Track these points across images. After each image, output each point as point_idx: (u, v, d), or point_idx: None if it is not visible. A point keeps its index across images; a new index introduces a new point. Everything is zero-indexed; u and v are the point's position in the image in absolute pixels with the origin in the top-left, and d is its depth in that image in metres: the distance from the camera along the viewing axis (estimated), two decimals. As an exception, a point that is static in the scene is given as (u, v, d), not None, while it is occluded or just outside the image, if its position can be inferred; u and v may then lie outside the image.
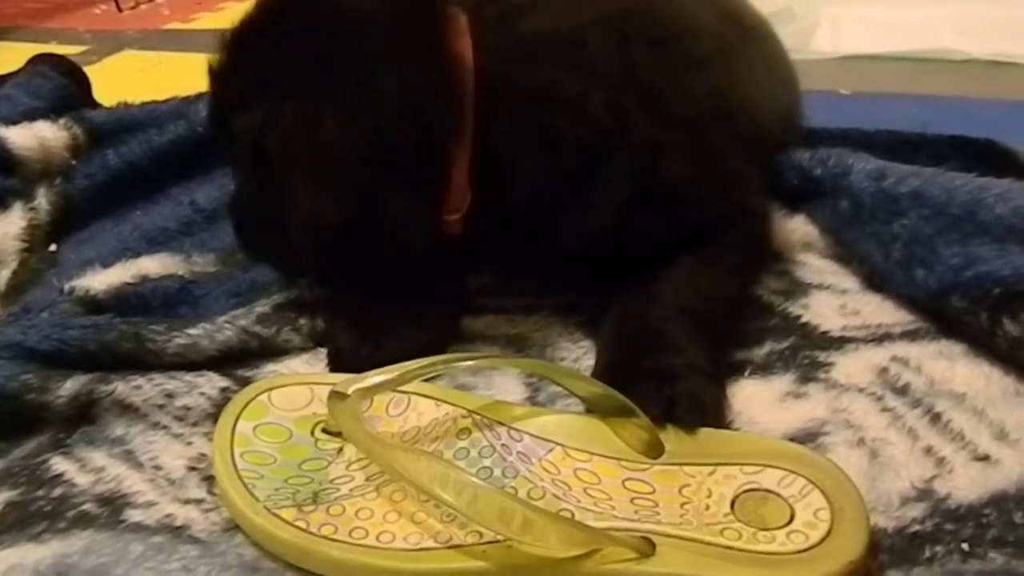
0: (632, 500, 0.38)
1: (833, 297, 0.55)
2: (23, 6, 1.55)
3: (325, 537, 0.36)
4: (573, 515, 0.37)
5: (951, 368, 0.48)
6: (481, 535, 0.36)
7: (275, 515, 0.37)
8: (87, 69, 1.10)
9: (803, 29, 1.12)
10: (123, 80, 1.07)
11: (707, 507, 0.37)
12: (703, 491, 0.38)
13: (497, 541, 0.35)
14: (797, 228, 0.60)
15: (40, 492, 0.42)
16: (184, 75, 1.11)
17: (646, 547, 0.35)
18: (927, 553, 0.37)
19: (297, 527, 0.37)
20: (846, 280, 0.56)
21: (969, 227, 0.49)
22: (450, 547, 0.36)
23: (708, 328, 0.47)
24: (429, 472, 0.35)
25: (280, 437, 0.42)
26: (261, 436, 0.42)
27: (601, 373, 0.45)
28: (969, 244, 0.49)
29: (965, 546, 0.37)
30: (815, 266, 0.58)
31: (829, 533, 0.36)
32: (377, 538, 0.36)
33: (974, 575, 0.36)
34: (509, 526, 0.34)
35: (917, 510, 0.39)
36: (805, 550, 0.35)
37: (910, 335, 0.51)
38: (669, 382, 0.42)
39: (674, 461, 0.40)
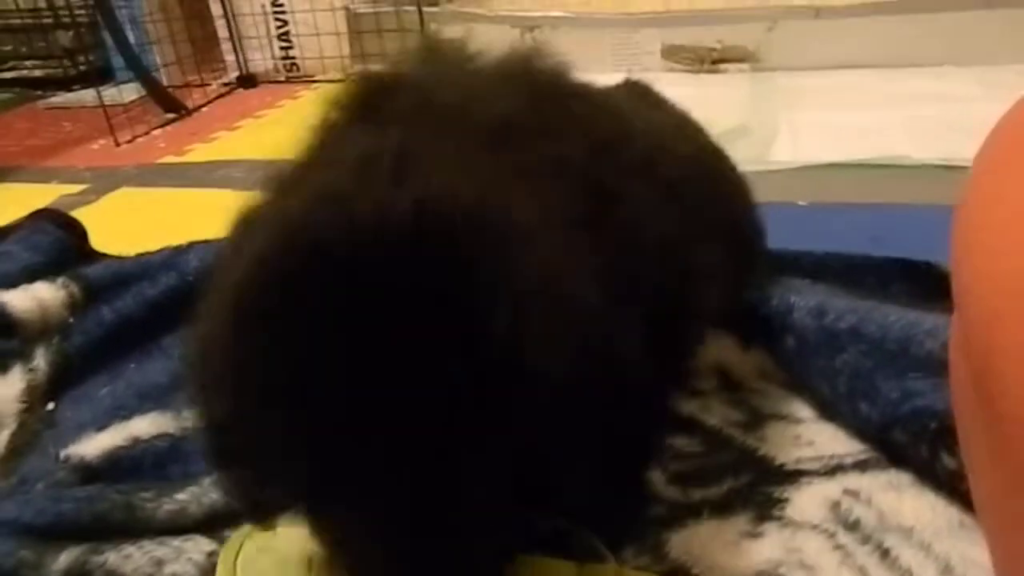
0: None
1: (788, 427, 0.58)
2: (24, 144, 1.62)
3: None
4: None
5: (899, 500, 0.50)
6: None
7: None
8: (86, 209, 1.17)
9: (761, 140, 1.19)
10: (120, 219, 1.12)
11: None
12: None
13: None
14: (754, 358, 0.63)
15: (34, 672, 0.44)
16: (178, 211, 1.18)
17: None
18: None
19: None
20: (801, 409, 0.60)
21: (904, 362, 0.53)
22: None
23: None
24: None
25: (280, 561, 0.45)
26: (262, 559, 0.46)
27: None
28: (905, 379, 0.52)
29: None
30: (772, 396, 0.61)
31: None
32: None
33: None
34: None
35: (868, 655, 0.41)
36: None
37: (861, 465, 0.54)
38: None
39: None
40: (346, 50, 1.86)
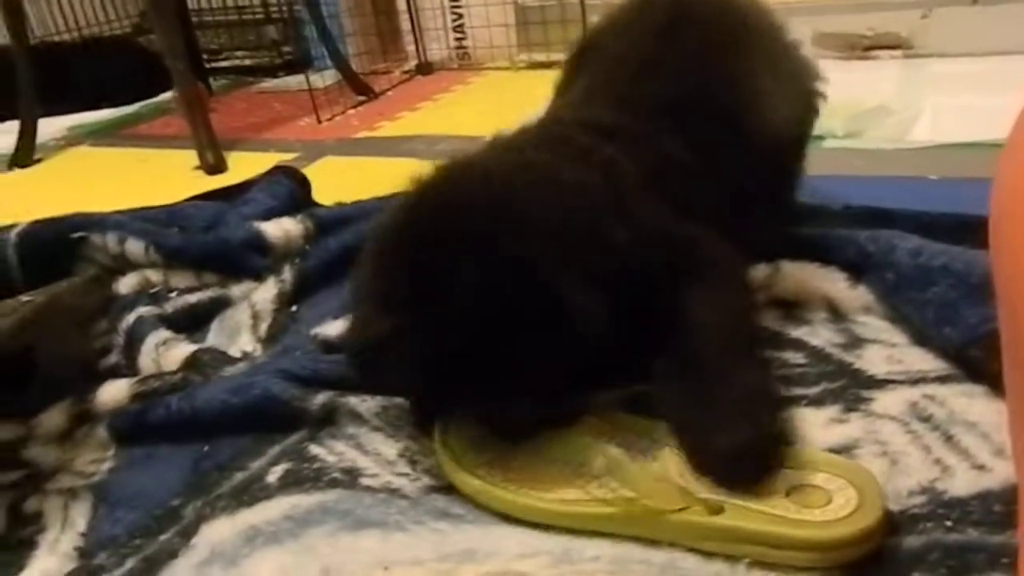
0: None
1: (884, 349, 0.69)
2: (246, 121, 1.93)
3: (503, 488, 0.56)
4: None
5: (971, 404, 0.61)
6: (610, 493, 0.54)
7: (472, 472, 0.58)
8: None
9: (902, 121, 1.25)
10: (328, 181, 1.35)
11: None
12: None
13: (619, 498, 0.53)
14: (860, 295, 0.74)
15: (304, 465, 0.64)
16: (372, 176, 1.40)
17: (717, 507, 0.51)
18: (920, 526, 0.51)
19: (486, 481, 0.57)
20: (897, 337, 0.70)
21: (984, 293, 0.62)
22: (588, 500, 0.54)
23: (748, 352, 0.61)
24: (583, 445, 0.55)
25: (476, 431, 0.61)
26: (463, 430, 0.62)
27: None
28: (984, 306, 0.62)
29: (949, 523, 0.51)
30: (872, 326, 0.72)
31: (855, 511, 0.50)
32: (539, 491, 0.55)
33: (952, 543, 0.49)
34: (633, 486, 0.52)
35: (919, 500, 0.53)
36: (834, 520, 0.50)
37: (942, 379, 0.64)
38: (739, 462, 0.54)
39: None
40: (513, 40, 2.05)
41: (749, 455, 0.54)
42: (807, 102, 0.80)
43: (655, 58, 0.74)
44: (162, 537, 0.60)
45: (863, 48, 1.66)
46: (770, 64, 0.76)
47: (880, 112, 1.26)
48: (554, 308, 0.55)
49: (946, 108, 1.30)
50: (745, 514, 0.51)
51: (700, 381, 0.57)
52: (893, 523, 0.51)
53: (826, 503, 0.51)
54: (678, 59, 0.74)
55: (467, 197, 0.60)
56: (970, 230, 0.78)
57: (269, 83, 2.33)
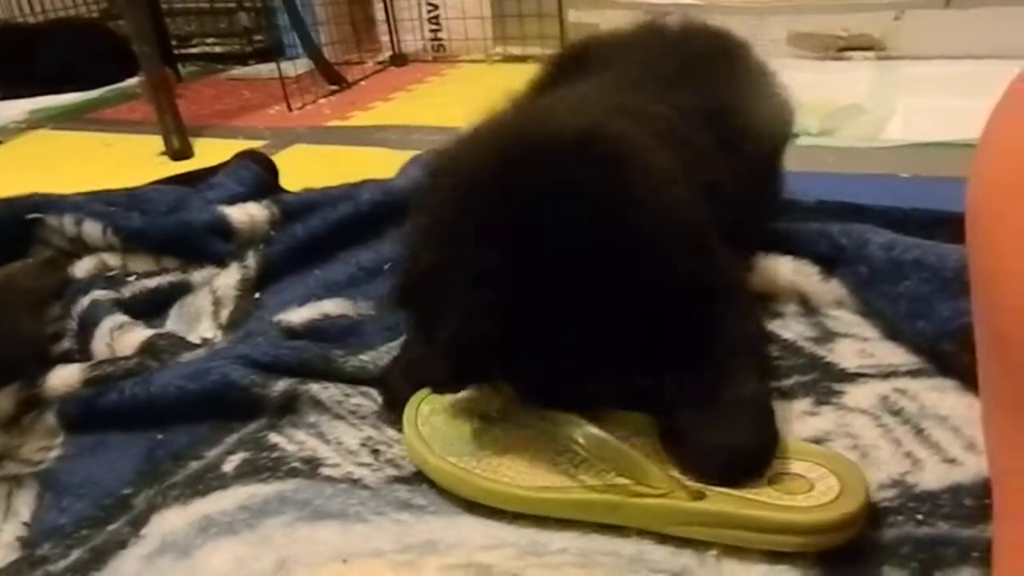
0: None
1: (855, 343, 0.68)
2: (214, 108, 1.89)
3: (476, 474, 0.54)
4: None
5: (942, 398, 0.60)
6: (593, 478, 0.52)
7: (445, 460, 0.56)
8: (269, 160, 1.38)
9: (875, 121, 1.25)
10: (297, 169, 1.33)
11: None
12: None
13: (603, 482, 0.52)
14: (832, 289, 0.73)
15: (263, 454, 0.62)
16: (343, 165, 1.38)
17: (699, 494, 0.50)
18: (890, 520, 0.50)
19: (459, 467, 0.55)
20: (869, 331, 0.70)
21: (957, 287, 0.62)
22: (564, 487, 0.53)
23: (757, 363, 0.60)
24: (570, 426, 0.53)
25: (448, 418, 0.60)
26: (434, 417, 0.60)
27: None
28: (957, 300, 0.62)
29: (919, 517, 0.50)
30: (845, 319, 0.72)
31: (837, 498, 0.49)
32: (512, 478, 0.54)
33: (923, 536, 0.49)
34: (620, 464, 0.51)
35: (890, 493, 0.52)
36: (817, 506, 0.49)
37: (913, 373, 0.64)
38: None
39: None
40: (489, 33, 2.03)
41: (751, 457, 0.52)
42: (788, 115, 0.82)
43: (676, 69, 0.74)
44: (110, 527, 0.57)
45: (837, 49, 1.67)
46: (761, 79, 0.79)
47: (853, 110, 1.26)
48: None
49: (919, 108, 1.30)
50: (728, 499, 0.50)
51: (708, 383, 0.54)
52: (870, 514, 0.50)
53: (808, 490, 0.50)
54: (694, 72, 0.74)
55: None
56: (942, 225, 0.78)
57: (239, 71, 2.29)
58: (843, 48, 1.67)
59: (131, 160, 1.52)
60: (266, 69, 2.14)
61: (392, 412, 0.63)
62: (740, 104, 0.72)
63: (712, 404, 0.53)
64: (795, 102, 0.82)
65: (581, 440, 0.53)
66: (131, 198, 1.03)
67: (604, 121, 0.58)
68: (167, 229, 0.92)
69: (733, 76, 0.77)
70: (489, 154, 0.55)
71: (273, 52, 2.15)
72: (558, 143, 0.54)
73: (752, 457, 0.52)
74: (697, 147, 0.63)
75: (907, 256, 0.67)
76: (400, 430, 0.60)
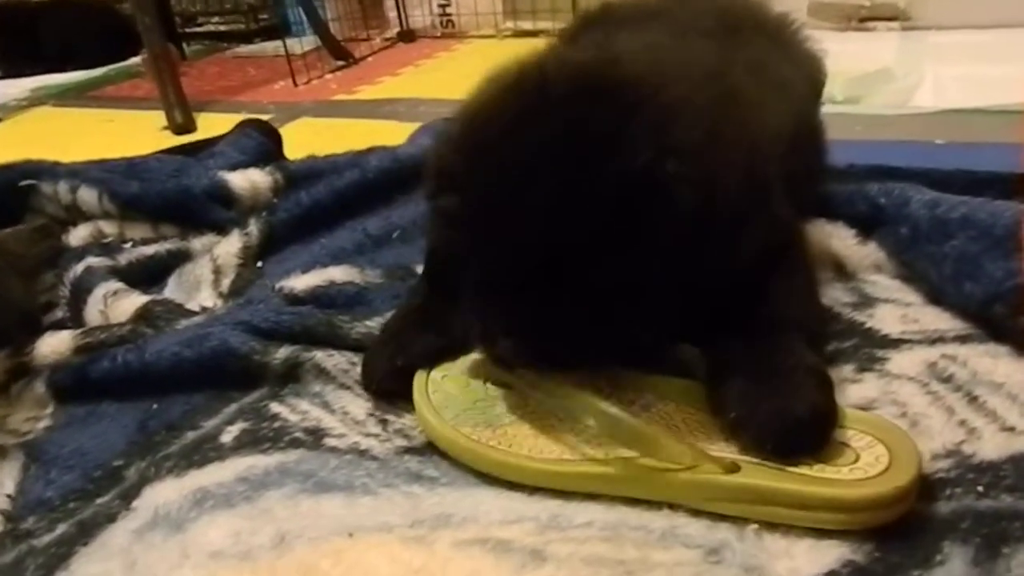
0: (726, 439, 0.49)
1: (897, 309, 0.64)
2: (218, 84, 1.84)
3: (491, 447, 0.50)
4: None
5: (995, 364, 0.56)
6: (608, 453, 0.48)
7: (457, 430, 0.52)
8: (274, 132, 1.34)
9: (905, 88, 1.20)
10: (302, 141, 1.28)
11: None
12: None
13: (620, 457, 0.47)
14: (870, 253, 0.69)
15: (264, 424, 0.58)
16: (350, 137, 1.33)
17: (732, 466, 0.46)
18: (948, 492, 0.46)
19: (472, 439, 0.51)
20: (910, 296, 0.65)
21: (1010, 246, 0.57)
22: (585, 459, 0.48)
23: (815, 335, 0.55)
24: (580, 404, 0.48)
25: (461, 384, 0.56)
26: (446, 383, 0.56)
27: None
28: (1010, 259, 0.57)
29: (980, 489, 0.45)
30: (883, 284, 0.67)
31: (886, 470, 0.45)
32: (530, 450, 0.50)
33: (985, 509, 0.44)
34: (636, 444, 0.46)
35: (945, 464, 0.48)
36: (863, 479, 0.44)
37: (962, 339, 0.59)
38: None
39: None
40: (499, 7, 1.98)
41: (809, 427, 0.47)
42: (820, 74, 0.79)
43: (712, 26, 0.69)
44: (99, 500, 0.53)
45: (860, 19, 1.62)
46: (800, 41, 0.77)
47: (881, 76, 1.21)
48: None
49: (948, 76, 1.26)
50: (763, 472, 0.45)
51: (764, 353, 0.50)
52: (924, 487, 0.46)
53: (854, 461, 0.46)
54: (731, 28, 0.69)
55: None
56: (990, 186, 0.74)
57: (244, 49, 2.25)
58: (866, 18, 1.61)
59: (133, 134, 1.48)
60: (271, 47, 2.10)
61: (367, 391, 0.59)
62: (780, 57, 0.68)
63: (768, 370, 0.48)
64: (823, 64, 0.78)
65: (591, 423, 0.48)
66: (131, 166, 0.99)
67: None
68: (165, 195, 0.88)
69: (766, 31, 0.73)
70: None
71: (278, 30, 2.11)
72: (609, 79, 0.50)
73: (810, 427, 0.47)
74: (750, 101, 0.58)
75: (953, 214, 0.62)
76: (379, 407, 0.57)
